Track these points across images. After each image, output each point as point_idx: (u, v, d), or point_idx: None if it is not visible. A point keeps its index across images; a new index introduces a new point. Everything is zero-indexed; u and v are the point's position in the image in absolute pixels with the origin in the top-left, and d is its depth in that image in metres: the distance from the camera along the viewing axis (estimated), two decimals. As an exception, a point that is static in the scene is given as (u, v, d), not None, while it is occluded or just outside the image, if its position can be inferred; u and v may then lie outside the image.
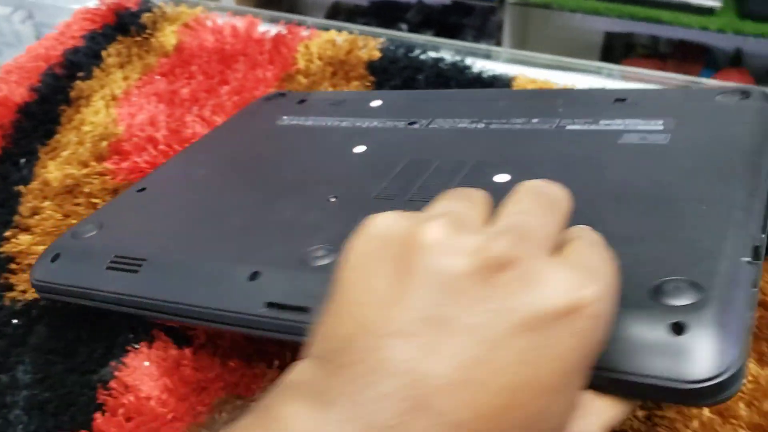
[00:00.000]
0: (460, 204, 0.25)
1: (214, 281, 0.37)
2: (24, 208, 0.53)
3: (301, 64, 0.64)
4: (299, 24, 0.69)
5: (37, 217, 0.52)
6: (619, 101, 0.45)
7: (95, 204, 0.53)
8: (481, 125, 0.46)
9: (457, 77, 0.63)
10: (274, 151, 0.50)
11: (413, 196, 0.39)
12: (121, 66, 0.66)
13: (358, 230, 0.25)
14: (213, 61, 0.65)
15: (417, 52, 0.65)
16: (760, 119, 0.41)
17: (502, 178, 0.39)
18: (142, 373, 0.44)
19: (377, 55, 0.65)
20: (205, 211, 0.44)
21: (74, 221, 0.52)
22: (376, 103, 0.53)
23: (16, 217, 0.52)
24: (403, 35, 0.83)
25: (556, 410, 0.22)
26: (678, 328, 0.26)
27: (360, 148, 0.47)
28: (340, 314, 0.23)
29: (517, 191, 0.26)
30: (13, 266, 0.49)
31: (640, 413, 0.39)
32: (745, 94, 0.44)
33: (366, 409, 0.20)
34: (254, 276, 0.35)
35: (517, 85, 0.62)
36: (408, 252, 0.22)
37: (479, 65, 0.64)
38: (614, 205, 0.35)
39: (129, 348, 0.45)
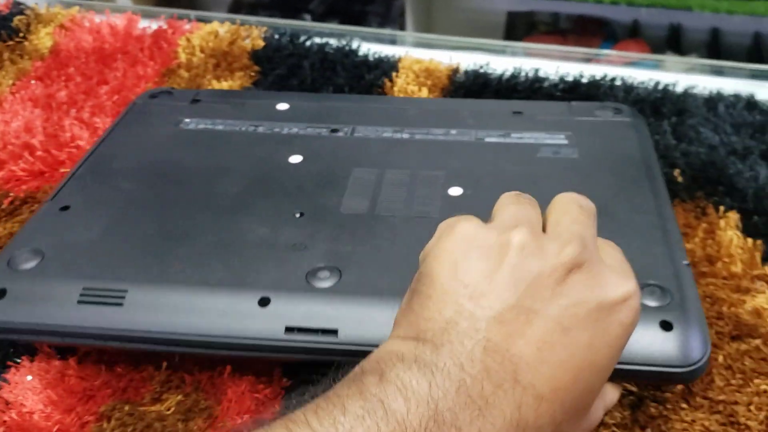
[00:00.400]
0: (526, 210, 0.30)
1: (223, 309, 0.37)
2: None
3: (182, 57, 0.63)
4: (180, 18, 0.68)
5: None
6: (517, 114, 0.51)
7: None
8: (404, 135, 0.49)
9: (343, 61, 0.62)
10: (198, 159, 0.48)
11: (380, 211, 0.42)
12: (-7, 72, 0.63)
13: (442, 233, 0.29)
14: (91, 61, 0.63)
15: (302, 38, 0.65)
16: (637, 133, 0.49)
17: (455, 191, 0.43)
18: (25, 388, 0.42)
19: (261, 44, 0.64)
20: (166, 232, 0.42)
21: None
22: (283, 106, 0.52)
23: None
24: (304, 24, 0.82)
25: (598, 388, 0.28)
26: (666, 326, 0.34)
27: (296, 158, 0.47)
28: (437, 302, 0.27)
29: (561, 202, 0.31)
30: None
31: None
32: (618, 110, 0.51)
33: (468, 380, 0.24)
34: (264, 302, 0.36)
35: (403, 65, 0.62)
36: (499, 253, 0.27)
37: (364, 48, 0.64)
38: None
39: (10, 363, 0.43)
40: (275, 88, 0.60)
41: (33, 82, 0.62)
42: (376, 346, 0.28)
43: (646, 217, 0.41)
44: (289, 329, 0.35)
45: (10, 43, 0.66)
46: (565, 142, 0.48)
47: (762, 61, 1.78)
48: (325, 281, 0.36)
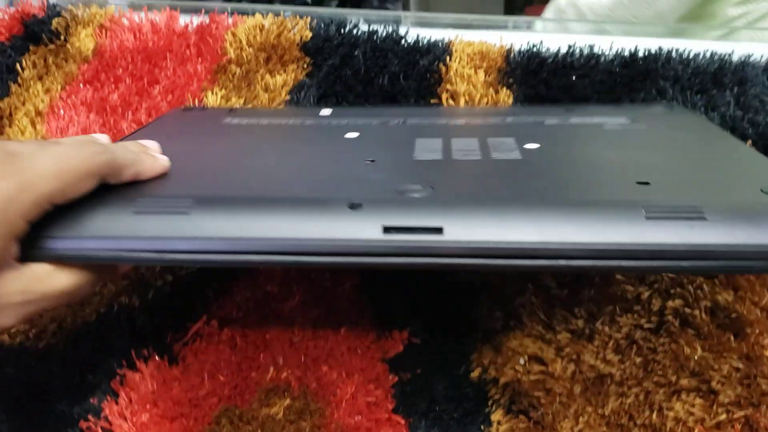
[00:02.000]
0: None
1: (310, 214, 0.32)
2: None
3: (232, 53, 0.62)
4: (220, 12, 0.67)
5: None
6: (570, 110, 0.52)
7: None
8: (461, 121, 0.50)
9: (394, 48, 0.62)
10: (262, 136, 0.47)
11: (456, 157, 0.40)
12: (40, 78, 0.62)
13: None
14: (138, 61, 0.62)
15: (349, 27, 0.64)
16: (697, 115, 0.51)
17: (531, 146, 0.42)
18: (131, 401, 0.42)
19: (309, 35, 0.63)
20: (256, 161, 0.41)
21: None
22: (326, 112, 0.52)
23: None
24: (314, 9, 0.81)
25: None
26: None
27: (352, 134, 0.46)
28: None
29: None
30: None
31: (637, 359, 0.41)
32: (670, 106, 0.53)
33: None
34: (356, 206, 0.32)
35: (455, 49, 0.61)
36: None
37: (413, 33, 0.64)
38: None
39: (114, 378, 0.43)
40: (330, 79, 0.59)
41: (82, 86, 0.60)
42: (484, 246, 0.29)
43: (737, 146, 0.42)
44: (387, 229, 0.31)
45: (52, 47, 0.64)
46: (629, 121, 0.48)
47: None
48: (418, 193, 0.34)
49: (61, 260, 0.32)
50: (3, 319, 0.31)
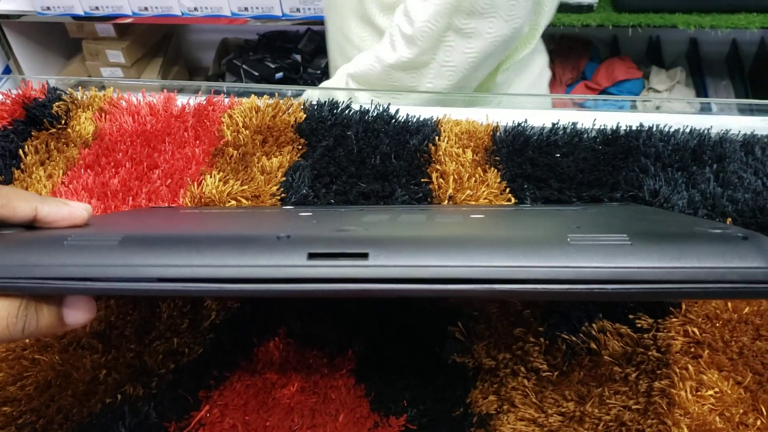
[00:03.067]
0: None
1: (243, 244, 0.32)
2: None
3: (229, 135, 0.64)
4: (217, 92, 0.69)
5: (-14, 342, 0.50)
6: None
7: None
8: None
9: (385, 128, 0.64)
10: (214, 214, 0.49)
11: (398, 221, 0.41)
12: (42, 163, 0.64)
13: None
14: (137, 144, 0.64)
15: (342, 107, 0.66)
16: None
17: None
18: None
19: (303, 116, 0.65)
20: (197, 225, 0.43)
21: (27, 341, 0.50)
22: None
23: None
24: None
25: None
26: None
27: (306, 213, 0.48)
28: None
29: None
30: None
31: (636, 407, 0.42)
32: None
33: None
34: (283, 238, 0.32)
35: (444, 128, 0.64)
36: None
37: (402, 112, 0.66)
38: None
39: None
40: (324, 160, 0.61)
41: (83, 171, 0.62)
42: (410, 270, 0.29)
43: None
44: (312, 255, 0.31)
45: (53, 131, 0.66)
46: (581, 208, 0.51)
47: (741, 67, 1.83)
48: (350, 232, 0.34)
49: None
50: None
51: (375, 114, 0.66)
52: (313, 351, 0.49)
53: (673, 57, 1.87)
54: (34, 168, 0.63)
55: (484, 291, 0.31)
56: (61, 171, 0.63)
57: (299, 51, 1.82)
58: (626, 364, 0.46)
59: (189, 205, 0.58)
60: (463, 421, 0.45)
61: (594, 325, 0.48)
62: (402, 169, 0.60)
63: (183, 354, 0.49)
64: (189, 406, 0.46)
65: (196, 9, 1.59)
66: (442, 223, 0.40)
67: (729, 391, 0.45)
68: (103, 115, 0.68)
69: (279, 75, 1.79)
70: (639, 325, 0.48)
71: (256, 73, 1.79)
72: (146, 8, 1.60)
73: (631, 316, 0.48)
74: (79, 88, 0.71)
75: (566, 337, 0.47)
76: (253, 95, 0.69)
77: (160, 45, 2.08)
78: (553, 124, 0.63)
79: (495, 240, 0.32)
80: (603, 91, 1.64)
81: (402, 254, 0.31)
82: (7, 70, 2.01)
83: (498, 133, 0.63)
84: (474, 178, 0.59)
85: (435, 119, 0.65)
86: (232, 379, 0.48)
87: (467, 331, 0.49)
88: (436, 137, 0.63)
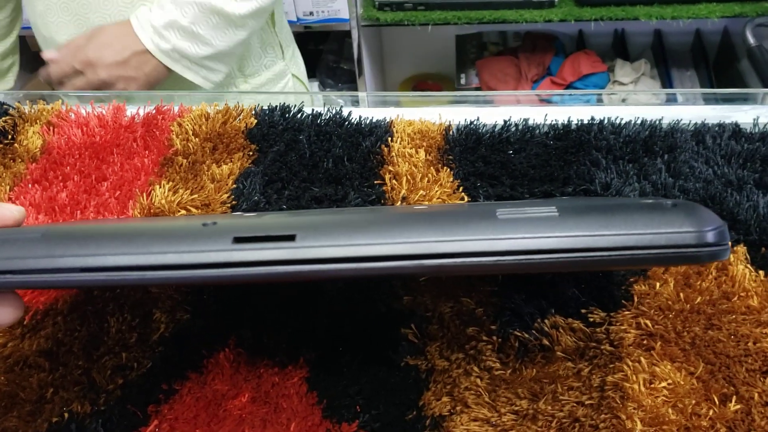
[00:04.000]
0: None
1: (168, 231, 0.32)
2: None
3: (178, 144, 0.63)
4: (166, 101, 0.68)
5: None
6: None
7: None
8: None
9: (338, 130, 0.64)
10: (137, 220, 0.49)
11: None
12: (-12, 180, 0.62)
13: None
14: (85, 157, 0.63)
15: (293, 111, 0.66)
16: None
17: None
18: None
19: (254, 121, 0.65)
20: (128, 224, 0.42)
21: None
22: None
23: None
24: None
25: None
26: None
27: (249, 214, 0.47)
28: None
29: None
30: None
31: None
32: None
33: None
34: (208, 225, 0.32)
35: (396, 129, 0.63)
36: None
37: (355, 114, 0.65)
38: None
39: None
40: (276, 166, 0.61)
41: (30, 186, 0.61)
42: (340, 250, 0.29)
43: None
44: (238, 239, 0.31)
45: (0, 147, 0.65)
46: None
47: (705, 57, 1.84)
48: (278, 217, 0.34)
49: None
50: None
51: (328, 117, 0.65)
52: (264, 360, 0.48)
53: (638, 49, 1.89)
54: (-22, 185, 0.62)
55: (412, 267, 0.30)
56: (8, 187, 0.62)
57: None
58: (579, 359, 0.46)
59: (138, 216, 0.57)
60: (416, 424, 0.44)
61: (546, 321, 0.47)
62: (355, 171, 0.60)
63: (132, 369, 0.48)
64: (138, 422, 0.45)
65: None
66: (375, 212, 0.40)
67: (682, 382, 0.45)
68: (51, 128, 0.67)
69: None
70: (591, 320, 0.48)
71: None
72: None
73: (583, 311, 0.48)
74: (27, 102, 0.70)
75: (519, 334, 0.47)
76: (203, 102, 0.68)
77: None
78: (505, 122, 0.62)
79: (424, 219, 0.32)
80: (569, 86, 1.65)
81: (329, 235, 0.31)
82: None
83: (451, 132, 0.63)
84: (427, 178, 0.58)
85: (388, 120, 0.65)
86: (182, 392, 0.47)
87: (420, 333, 0.48)
88: (389, 138, 0.62)
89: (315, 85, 1.80)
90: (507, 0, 1.45)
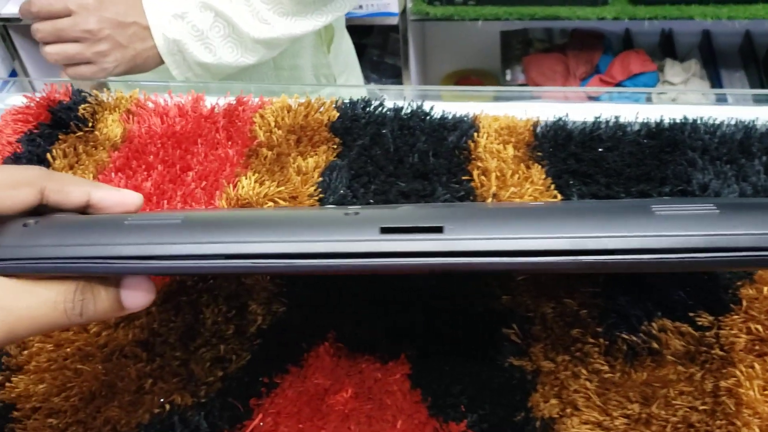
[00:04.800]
0: None
1: (313, 219, 0.32)
2: (10, 346, 0.49)
3: (262, 136, 0.63)
4: (246, 92, 0.68)
5: (26, 352, 0.49)
6: None
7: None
8: None
9: (421, 125, 0.63)
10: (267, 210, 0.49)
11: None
12: (71, 167, 0.62)
13: None
14: (168, 147, 0.63)
15: (375, 105, 0.65)
16: None
17: None
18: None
19: (336, 114, 0.64)
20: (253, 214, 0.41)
21: (68, 350, 0.49)
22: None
23: (4, 358, 0.49)
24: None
25: None
26: None
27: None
28: None
29: None
30: (15, 414, 0.46)
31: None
32: None
33: None
34: (352, 214, 0.32)
35: (482, 124, 0.62)
36: None
37: (438, 109, 0.65)
38: None
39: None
40: (361, 160, 0.60)
41: (114, 174, 0.61)
42: (490, 243, 0.29)
43: None
44: (385, 230, 0.30)
45: (80, 134, 0.65)
46: None
47: (755, 58, 1.81)
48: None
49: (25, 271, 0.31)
50: None
51: (410, 111, 0.64)
52: (365, 355, 0.47)
53: (686, 49, 1.86)
54: (64, 172, 0.62)
55: (568, 263, 0.29)
56: (91, 175, 0.62)
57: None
58: (690, 364, 0.45)
59: (225, 207, 0.57)
60: (526, 426, 0.43)
61: (654, 324, 0.46)
62: (442, 167, 0.59)
63: (230, 361, 0.47)
64: (241, 415, 0.45)
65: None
66: (508, 206, 0.39)
67: (798, 390, 0.43)
68: (130, 116, 0.67)
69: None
70: (700, 323, 0.47)
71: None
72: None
73: (691, 314, 0.47)
74: (104, 89, 0.70)
75: (626, 337, 0.46)
76: (283, 94, 0.67)
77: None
78: (596, 118, 0.61)
79: (576, 211, 0.31)
80: (618, 85, 1.62)
81: (479, 227, 0.30)
82: (14, 74, 2.00)
83: (539, 128, 0.62)
84: (517, 175, 0.57)
85: (471, 115, 0.64)
86: (283, 385, 0.46)
87: (522, 333, 0.47)
88: (475, 133, 0.61)
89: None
90: (558, -4, 1.44)
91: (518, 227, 0.30)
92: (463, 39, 1.91)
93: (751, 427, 0.42)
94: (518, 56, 1.81)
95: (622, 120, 0.61)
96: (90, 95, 0.69)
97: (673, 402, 0.43)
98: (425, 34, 1.86)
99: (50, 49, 0.77)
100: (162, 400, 0.46)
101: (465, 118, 0.63)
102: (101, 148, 0.64)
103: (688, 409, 0.43)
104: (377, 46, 1.79)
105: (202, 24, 0.77)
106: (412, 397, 0.45)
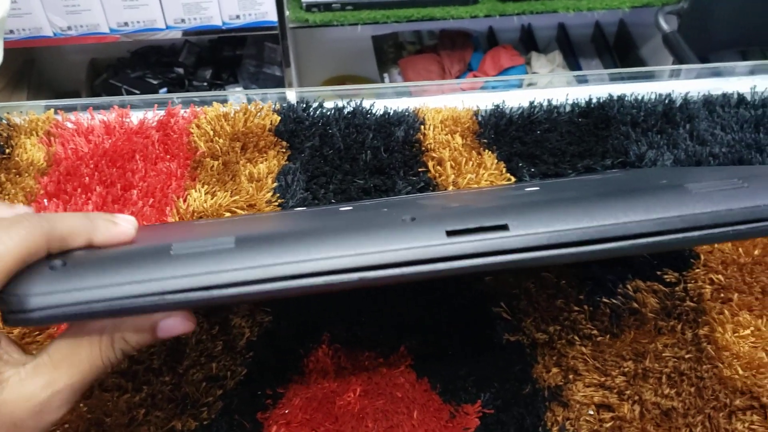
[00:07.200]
0: None
1: (374, 228, 0.31)
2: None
3: (203, 146, 0.60)
4: (171, 103, 0.65)
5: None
6: None
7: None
8: None
9: (366, 122, 0.63)
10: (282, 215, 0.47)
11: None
12: (-4, 198, 0.57)
13: None
14: (102, 166, 0.59)
15: (314, 106, 0.64)
16: None
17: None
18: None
19: (277, 119, 0.63)
20: (280, 223, 0.40)
21: None
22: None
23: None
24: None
25: None
26: None
27: (347, 207, 0.46)
28: None
29: None
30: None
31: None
32: None
33: None
34: (411, 220, 0.31)
35: (426, 116, 0.63)
36: None
37: (379, 105, 0.65)
38: None
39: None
40: (315, 161, 0.59)
41: (47, 201, 0.56)
42: (555, 236, 0.30)
43: None
44: (450, 233, 0.30)
45: (-2, 162, 0.60)
46: None
47: (607, 45, 1.96)
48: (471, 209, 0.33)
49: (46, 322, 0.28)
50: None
51: (352, 109, 0.64)
52: (365, 352, 0.47)
53: (545, 42, 1.97)
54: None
55: (633, 246, 0.31)
56: (20, 203, 0.56)
57: (180, 64, 1.75)
58: (668, 318, 0.48)
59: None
60: (535, 397, 0.45)
61: (629, 286, 0.49)
62: (397, 161, 0.59)
63: (226, 378, 0.45)
64: (250, 431, 0.43)
65: (69, 28, 1.48)
66: (529, 194, 0.39)
67: (764, 328, 0.48)
68: (51, 138, 0.62)
69: (163, 90, 1.71)
70: (668, 280, 0.50)
71: (137, 91, 1.70)
72: (12, 31, 1.48)
73: (658, 273, 0.50)
74: (14, 113, 0.65)
75: (607, 301, 0.49)
76: (215, 102, 0.65)
77: (22, 73, 1.92)
78: (530, 102, 0.64)
79: (619, 195, 0.32)
80: (493, 79, 1.70)
81: (542, 221, 0.31)
82: None
83: (479, 117, 0.63)
84: (471, 162, 0.59)
85: (413, 109, 0.65)
86: (288, 395, 0.45)
87: (511, 310, 0.49)
88: (422, 126, 0.62)
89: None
90: (430, -2, 1.48)
91: (577, 217, 0.31)
92: (338, 45, 1.93)
93: (733, 367, 0.46)
94: (393, 59, 1.84)
95: (554, 102, 0.64)
96: (2, 119, 0.63)
97: (663, 354, 0.46)
98: (300, 42, 1.86)
99: None
100: (160, 429, 0.43)
101: (408, 112, 0.64)
102: (26, 174, 0.59)
103: (676, 360, 0.46)
104: (253, 57, 1.76)
105: None
106: (421, 387, 0.45)
